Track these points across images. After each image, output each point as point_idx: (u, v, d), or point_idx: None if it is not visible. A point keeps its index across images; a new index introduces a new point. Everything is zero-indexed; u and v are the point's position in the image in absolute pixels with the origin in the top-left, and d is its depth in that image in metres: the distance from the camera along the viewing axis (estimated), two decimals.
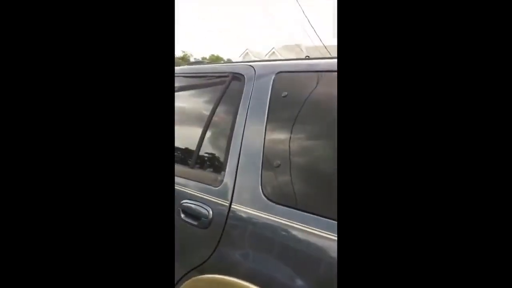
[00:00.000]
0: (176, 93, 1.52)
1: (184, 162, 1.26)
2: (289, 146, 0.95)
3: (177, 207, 1.11)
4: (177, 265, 1.09)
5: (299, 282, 0.80)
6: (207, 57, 23.07)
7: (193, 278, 1.02)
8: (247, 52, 22.45)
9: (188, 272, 1.04)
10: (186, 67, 1.62)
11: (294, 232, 0.84)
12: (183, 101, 1.49)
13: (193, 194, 1.10)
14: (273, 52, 21.17)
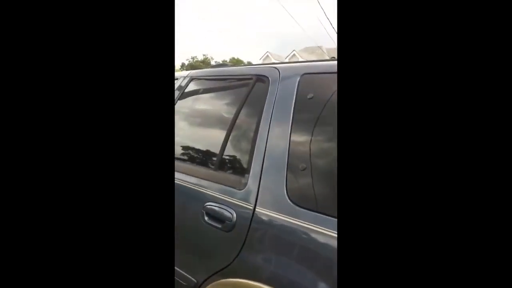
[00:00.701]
0: (200, 96, 1.52)
1: (207, 165, 1.26)
2: (315, 149, 0.92)
3: (201, 210, 1.11)
4: (200, 268, 1.09)
5: (322, 286, 0.79)
6: (227, 60, 23.36)
7: (217, 282, 1.01)
8: (267, 55, 22.49)
9: (211, 275, 1.03)
10: (209, 69, 1.62)
11: (320, 237, 0.82)
12: (207, 104, 1.50)
13: (217, 197, 1.09)
14: (294, 55, 21.10)
